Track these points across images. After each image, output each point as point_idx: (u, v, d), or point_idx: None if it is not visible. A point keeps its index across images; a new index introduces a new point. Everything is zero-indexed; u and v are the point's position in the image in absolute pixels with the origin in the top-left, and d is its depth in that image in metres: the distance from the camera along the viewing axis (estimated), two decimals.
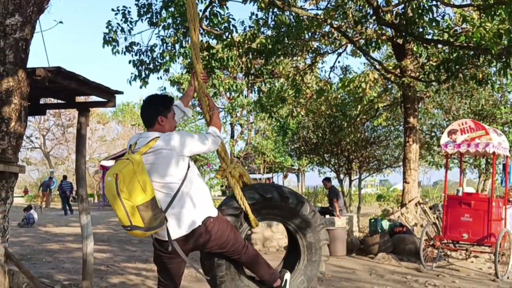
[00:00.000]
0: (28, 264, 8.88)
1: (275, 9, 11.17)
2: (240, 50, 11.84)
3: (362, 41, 11.70)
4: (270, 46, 11.47)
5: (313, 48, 13.09)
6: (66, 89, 6.42)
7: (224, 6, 10.98)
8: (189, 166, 3.51)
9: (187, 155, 3.50)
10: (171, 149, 3.40)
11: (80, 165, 6.90)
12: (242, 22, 11.74)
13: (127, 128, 46.30)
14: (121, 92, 7.00)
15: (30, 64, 5.34)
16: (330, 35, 11.90)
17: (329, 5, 11.29)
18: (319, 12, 11.34)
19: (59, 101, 7.60)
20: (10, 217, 5.19)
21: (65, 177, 26.43)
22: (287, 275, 4.06)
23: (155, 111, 3.62)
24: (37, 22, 5.20)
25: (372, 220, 11.26)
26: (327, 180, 13.38)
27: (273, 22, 11.43)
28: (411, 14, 8.49)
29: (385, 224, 10.91)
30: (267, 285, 4.04)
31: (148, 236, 3.37)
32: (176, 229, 3.41)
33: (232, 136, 33.18)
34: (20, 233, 14.47)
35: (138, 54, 11.95)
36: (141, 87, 12.00)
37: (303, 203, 4.10)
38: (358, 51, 12.99)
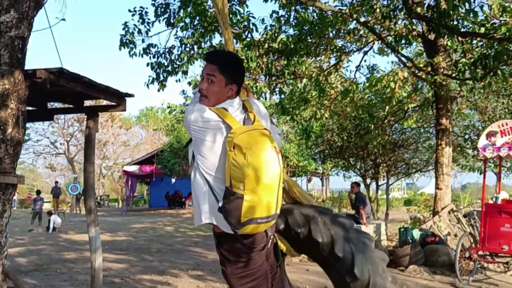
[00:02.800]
0: (42, 275, 8.62)
1: (297, 7, 10.64)
2: (261, 50, 11.33)
3: (390, 38, 11.08)
4: (292, 46, 10.93)
5: (337, 47, 12.49)
6: (72, 92, 6.01)
7: (244, 4, 10.50)
8: None
9: None
10: (265, 120, 2.86)
11: (89, 174, 6.47)
12: (263, 20, 11.21)
13: (151, 133, 46.30)
14: (131, 95, 6.56)
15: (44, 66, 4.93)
16: (356, 32, 11.27)
17: (354, 1, 10.69)
18: (344, 8, 10.74)
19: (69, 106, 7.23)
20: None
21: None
22: None
23: None
24: (34, 19, 4.77)
25: (402, 229, 10.58)
26: (356, 184, 12.75)
27: (295, 20, 10.89)
28: (444, 7, 7.82)
29: (416, 233, 10.22)
30: None
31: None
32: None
33: None
34: (39, 241, 14.30)
35: (156, 56, 11.59)
36: (158, 90, 11.64)
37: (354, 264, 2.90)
38: (386, 49, 12.34)
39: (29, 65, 4.92)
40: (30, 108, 6.50)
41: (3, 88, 4.62)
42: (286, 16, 11.00)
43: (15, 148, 4.76)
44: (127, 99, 6.58)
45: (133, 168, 29.56)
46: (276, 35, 11.29)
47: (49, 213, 17.98)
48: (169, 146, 27.67)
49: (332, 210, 3.37)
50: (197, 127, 2.60)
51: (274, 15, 11.03)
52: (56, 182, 29.49)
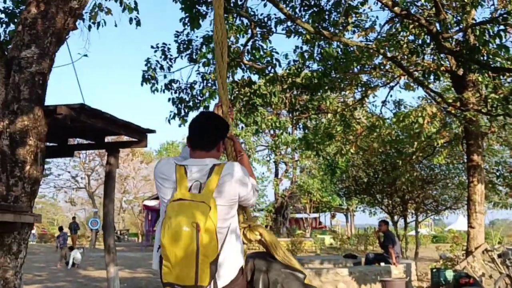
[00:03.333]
0: None
1: (321, 42, 10.53)
2: (284, 85, 11.20)
3: (416, 73, 10.84)
4: (316, 81, 10.77)
5: (362, 82, 12.29)
6: (93, 128, 5.89)
7: (267, 40, 10.44)
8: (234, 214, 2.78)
9: (238, 200, 2.73)
10: (235, 187, 2.64)
11: (109, 211, 6.29)
12: (286, 56, 11.11)
13: None
14: (153, 131, 6.42)
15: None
16: (382, 67, 11.06)
17: (379, 36, 10.54)
18: (369, 43, 10.58)
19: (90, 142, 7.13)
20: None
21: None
22: None
23: (220, 134, 2.84)
24: (55, 55, 4.67)
25: (434, 270, 10.09)
26: (384, 222, 12.25)
27: (319, 55, 10.76)
28: (474, 42, 7.59)
29: (449, 274, 9.74)
30: None
31: None
32: (221, 279, 2.61)
33: (276, 175, 32.33)
34: (58, 278, 14.09)
35: (177, 91, 11.54)
36: (180, 126, 11.53)
37: None
38: (412, 84, 12.08)
39: (49, 99, 4.81)
40: (50, 144, 6.40)
41: (22, 125, 4.50)
42: (310, 51, 10.88)
43: (33, 186, 4.60)
44: (148, 134, 6.45)
45: (154, 203, 29.37)
46: (299, 70, 11.17)
47: (70, 249, 18.11)
48: None
49: (304, 276, 3.23)
50: (155, 178, 2.73)
51: (298, 50, 10.93)
52: (74, 218, 29.55)
